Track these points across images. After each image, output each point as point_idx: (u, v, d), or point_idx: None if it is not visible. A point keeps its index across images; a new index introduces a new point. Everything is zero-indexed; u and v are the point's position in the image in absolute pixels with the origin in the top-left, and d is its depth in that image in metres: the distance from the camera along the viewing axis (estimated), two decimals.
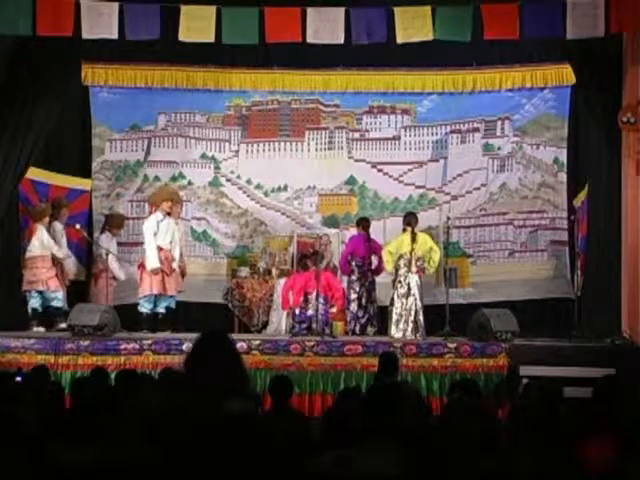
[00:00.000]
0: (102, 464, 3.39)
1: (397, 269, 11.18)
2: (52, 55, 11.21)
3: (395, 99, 13.33)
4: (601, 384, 5.27)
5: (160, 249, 11.28)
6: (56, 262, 11.70)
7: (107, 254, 11.80)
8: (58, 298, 11.41)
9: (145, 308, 11.31)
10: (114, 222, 12.47)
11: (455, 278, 12.86)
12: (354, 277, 11.80)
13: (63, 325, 11.13)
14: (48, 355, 9.92)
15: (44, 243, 11.37)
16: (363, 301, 11.72)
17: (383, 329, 11.47)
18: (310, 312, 11.12)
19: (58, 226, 11.83)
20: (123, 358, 9.99)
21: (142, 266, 11.37)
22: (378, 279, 11.93)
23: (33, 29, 10.14)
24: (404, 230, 11.48)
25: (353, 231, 12.43)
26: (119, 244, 12.60)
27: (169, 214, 11.46)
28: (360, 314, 11.69)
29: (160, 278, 11.24)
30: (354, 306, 11.72)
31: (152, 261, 11.18)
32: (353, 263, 11.80)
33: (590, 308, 11.46)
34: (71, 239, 12.22)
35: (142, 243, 11.76)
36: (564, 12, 10.17)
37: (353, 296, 11.74)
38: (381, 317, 11.69)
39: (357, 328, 11.65)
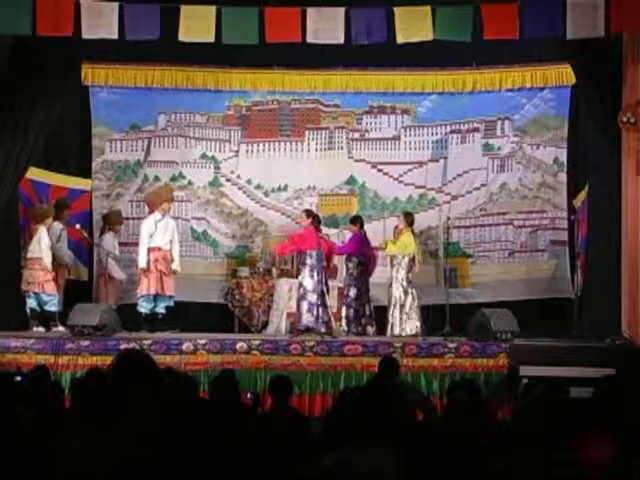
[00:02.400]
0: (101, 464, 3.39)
1: (399, 268, 11.21)
2: (52, 55, 11.20)
3: (395, 99, 13.33)
4: (601, 384, 5.26)
5: (158, 249, 11.28)
6: (57, 264, 11.69)
7: (107, 254, 11.81)
8: (53, 302, 11.30)
9: (144, 308, 11.30)
10: (113, 219, 12.48)
11: (455, 278, 12.85)
12: (355, 274, 11.80)
13: (58, 328, 11.11)
14: (48, 355, 9.91)
15: (42, 245, 11.31)
16: (363, 299, 11.73)
17: (382, 328, 11.48)
18: (311, 324, 11.04)
19: (58, 226, 11.80)
20: None
21: (137, 267, 11.36)
22: (378, 279, 11.94)
23: (33, 29, 10.13)
24: (400, 230, 11.46)
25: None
26: (119, 244, 12.61)
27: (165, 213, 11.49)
28: (361, 313, 11.69)
29: (158, 278, 11.24)
30: (357, 304, 11.70)
31: (141, 261, 11.24)
32: (355, 260, 11.80)
33: (590, 308, 11.46)
34: (71, 239, 12.21)
35: None
36: (564, 12, 10.16)
37: (354, 293, 11.72)
38: (378, 317, 11.71)
39: (359, 328, 11.63)
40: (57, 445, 3.74)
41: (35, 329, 11.19)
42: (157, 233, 11.29)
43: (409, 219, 11.57)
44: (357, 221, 12.13)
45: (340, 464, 2.80)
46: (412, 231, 11.42)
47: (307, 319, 10.97)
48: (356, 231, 12.01)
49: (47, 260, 11.31)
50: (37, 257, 11.31)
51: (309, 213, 11.54)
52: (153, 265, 11.26)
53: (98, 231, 12.67)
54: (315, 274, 11.03)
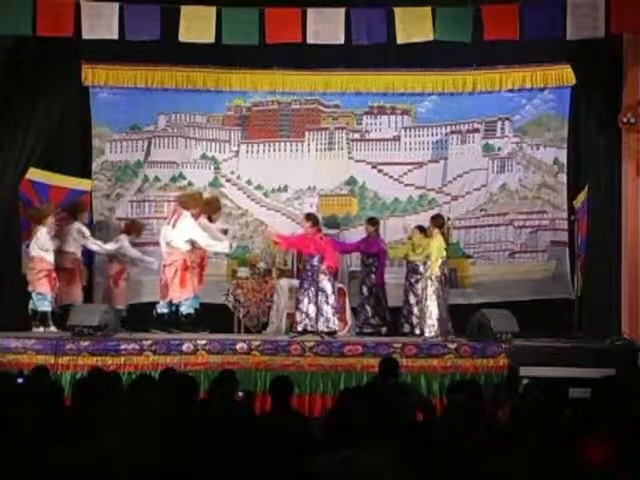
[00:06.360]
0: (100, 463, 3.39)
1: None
2: (52, 55, 11.22)
3: (395, 100, 13.33)
4: (600, 385, 5.26)
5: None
6: (68, 265, 11.71)
7: (124, 255, 11.98)
8: (42, 302, 11.23)
9: (190, 309, 11.34)
10: (137, 229, 12.47)
11: (455, 278, 12.86)
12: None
13: (50, 329, 11.10)
14: (48, 355, 9.91)
15: (39, 245, 11.30)
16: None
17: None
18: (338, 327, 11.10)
19: (80, 226, 11.87)
20: (123, 359, 9.99)
21: (185, 268, 11.31)
22: (388, 280, 12.04)
23: (33, 29, 10.13)
24: (430, 232, 11.30)
25: (354, 231, 12.60)
26: (136, 244, 12.54)
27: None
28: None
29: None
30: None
31: (222, 245, 11.57)
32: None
33: (590, 309, 11.47)
34: None
35: (150, 243, 12.23)
36: (564, 13, 10.15)
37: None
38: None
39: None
40: (57, 445, 3.74)
41: (35, 329, 11.18)
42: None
43: (438, 221, 11.41)
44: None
45: (340, 464, 2.80)
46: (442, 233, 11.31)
47: (334, 322, 10.98)
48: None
49: (43, 259, 11.26)
50: (34, 256, 11.30)
51: (309, 217, 11.46)
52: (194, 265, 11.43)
53: (115, 233, 12.61)
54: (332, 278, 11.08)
